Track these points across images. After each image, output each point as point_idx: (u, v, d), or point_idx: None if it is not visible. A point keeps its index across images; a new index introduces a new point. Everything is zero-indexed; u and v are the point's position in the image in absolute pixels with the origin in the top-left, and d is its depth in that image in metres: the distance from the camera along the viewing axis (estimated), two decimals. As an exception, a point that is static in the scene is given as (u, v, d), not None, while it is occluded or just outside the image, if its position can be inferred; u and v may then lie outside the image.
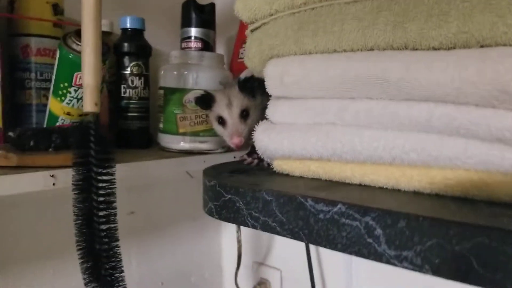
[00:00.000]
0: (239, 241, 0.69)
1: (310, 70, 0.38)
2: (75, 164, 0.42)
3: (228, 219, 0.41)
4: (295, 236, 0.35)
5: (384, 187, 0.37)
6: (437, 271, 0.28)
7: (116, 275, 0.44)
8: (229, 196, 0.40)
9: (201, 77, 0.58)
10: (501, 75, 0.28)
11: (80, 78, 0.48)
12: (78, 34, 0.48)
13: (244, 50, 0.75)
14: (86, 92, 0.42)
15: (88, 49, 0.42)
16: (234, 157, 0.64)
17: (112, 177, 0.43)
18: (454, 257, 0.27)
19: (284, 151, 0.41)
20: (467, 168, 0.32)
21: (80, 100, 0.50)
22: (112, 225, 0.43)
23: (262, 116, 0.51)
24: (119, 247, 0.44)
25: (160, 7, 0.80)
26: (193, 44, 0.70)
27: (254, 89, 0.50)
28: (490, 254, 0.25)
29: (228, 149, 0.63)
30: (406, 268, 0.29)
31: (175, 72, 0.59)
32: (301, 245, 0.78)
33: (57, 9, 0.55)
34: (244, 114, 0.50)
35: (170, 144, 0.60)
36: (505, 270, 0.25)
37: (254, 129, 0.45)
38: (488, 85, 0.28)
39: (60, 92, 0.49)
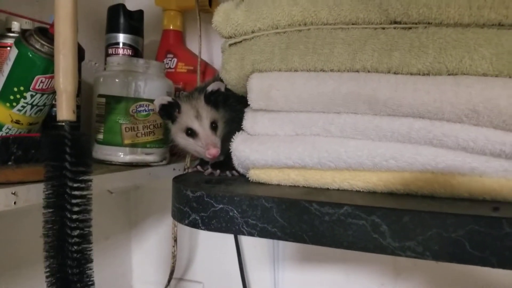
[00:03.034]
0: (174, 256, 0.68)
1: (299, 86, 0.42)
2: (47, 178, 0.37)
3: (218, 229, 0.41)
4: (297, 239, 0.38)
5: (362, 190, 0.42)
6: (436, 256, 0.34)
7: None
8: (220, 206, 0.40)
9: (149, 86, 0.56)
10: (472, 97, 0.36)
11: (41, 82, 0.42)
12: (42, 32, 0.42)
13: (170, 60, 0.75)
14: (62, 99, 0.38)
15: (65, 52, 0.38)
16: (174, 169, 0.63)
17: (88, 192, 0.39)
18: (451, 242, 0.33)
19: (267, 160, 0.44)
20: (435, 171, 0.39)
21: (35, 107, 0.44)
22: (87, 246, 0.39)
23: (225, 128, 0.53)
24: (92, 269, 0.40)
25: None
26: (122, 51, 0.67)
27: (219, 102, 0.51)
28: (478, 237, 0.32)
29: (169, 161, 0.62)
30: (409, 256, 0.35)
31: (117, 80, 0.55)
32: (221, 257, 0.80)
33: (-19, 0, 0.47)
34: (213, 126, 0.50)
35: (111, 156, 0.56)
36: (491, 249, 0.32)
37: (232, 139, 0.46)
38: (462, 105, 0.36)
39: (11, 97, 0.42)
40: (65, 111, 0.38)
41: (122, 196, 0.84)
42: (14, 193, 0.37)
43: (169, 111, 0.51)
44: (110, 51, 0.67)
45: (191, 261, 0.82)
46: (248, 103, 0.45)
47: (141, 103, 0.55)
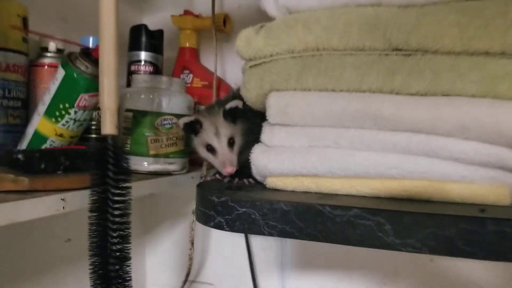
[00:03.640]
0: (191, 258, 0.73)
1: (313, 104, 0.47)
2: (93, 186, 0.43)
3: (241, 230, 0.47)
4: (313, 238, 0.44)
5: (367, 195, 0.48)
6: (433, 250, 0.39)
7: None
8: (244, 209, 0.46)
9: (173, 101, 0.61)
10: (463, 115, 0.42)
11: (84, 100, 0.48)
12: (85, 55, 0.48)
13: (186, 75, 0.81)
14: (107, 115, 0.43)
15: (110, 74, 0.43)
16: (192, 177, 0.68)
17: (128, 198, 0.44)
18: (445, 239, 0.39)
19: (284, 169, 0.49)
20: (430, 179, 0.45)
21: (77, 122, 0.49)
22: (126, 245, 0.45)
23: (242, 140, 0.58)
24: (130, 266, 0.45)
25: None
26: (144, 68, 0.72)
27: (236, 117, 0.57)
28: (468, 235, 0.38)
29: (188, 170, 0.67)
30: (409, 251, 0.40)
31: (143, 96, 0.61)
32: (232, 259, 0.85)
33: (26, 23, 0.53)
34: (231, 142, 0.56)
35: (136, 166, 0.61)
36: (478, 245, 0.38)
37: (251, 150, 0.52)
38: (455, 122, 0.42)
39: (57, 113, 0.48)
40: (108, 126, 0.43)
41: (137, 203, 0.90)
42: (63, 199, 0.43)
43: (192, 127, 0.56)
44: (132, 67, 0.73)
45: (203, 264, 0.87)
46: (266, 118, 0.51)
47: (166, 117, 0.61)
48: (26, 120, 0.53)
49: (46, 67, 0.56)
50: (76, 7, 0.74)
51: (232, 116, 0.57)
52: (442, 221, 0.39)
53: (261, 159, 0.50)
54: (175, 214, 0.90)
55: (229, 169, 0.55)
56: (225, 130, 0.56)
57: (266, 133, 0.51)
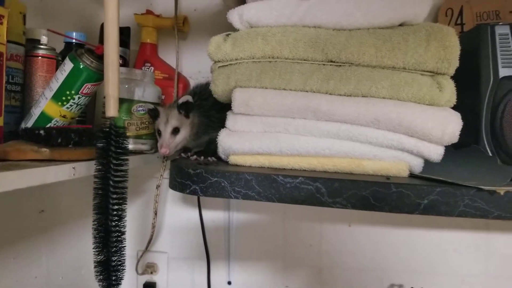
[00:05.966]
0: (153, 226, 0.84)
1: (268, 99, 0.62)
2: (98, 157, 0.53)
3: (213, 195, 0.60)
4: (269, 199, 0.58)
5: (306, 169, 0.64)
6: (354, 206, 0.56)
7: (120, 247, 0.56)
8: (215, 178, 0.59)
9: (146, 91, 0.72)
10: (376, 111, 0.58)
11: (88, 88, 0.57)
12: (90, 51, 0.57)
13: (147, 68, 0.91)
14: (110, 101, 0.54)
15: (113, 68, 0.54)
16: (158, 157, 0.79)
17: (125, 168, 0.55)
18: (362, 198, 0.55)
19: (244, 149, 0.63)
20: (353, 157, 0.62)
21: (78, 106, 0.59)
22: (123, 206, 0.56)
23: (193, 130, 0.71)
24: (125, 224, 0.56)
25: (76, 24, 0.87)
26: (113, 61, 0.81)
27: (189, 110, 0.69)
28: (378, 195, 0.55)
29: (156, 150, 0.78)
30: (338, 207, 0.56)
31: (120, 86, 0.71)
32: (185, 231, 0.97)
33: (25, 19, 0.60)
34: (175, 131, 0.69)
35: (114, 145, 0.71)
36: (385, 201, 0.55)
37: (218, 134, 0.65)
38: (370, 116, 0.59)
39: (63, 98, 0.56)
40: (112, 110, 0.54)
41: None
42: (74, 168, 0.53)
43: (154, 115, 0.68)
44: (103, 60, 0.81)
45: (158, 236, 0.98)
46: (231, 108, 0.64)
47: (140, 104, 0.71)
48: (23, 102, 0.61)
49: (40, 57, 0.64)
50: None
51: (185, 110, 0.69)
52: (360, 185, 0.55)
53: (226, 141, 0.64)
54: (130, 191, 1.00)
55: (163, 150, 0.68)
56: (174, 121, 0.69)
57: (231, 120, 0.65)
